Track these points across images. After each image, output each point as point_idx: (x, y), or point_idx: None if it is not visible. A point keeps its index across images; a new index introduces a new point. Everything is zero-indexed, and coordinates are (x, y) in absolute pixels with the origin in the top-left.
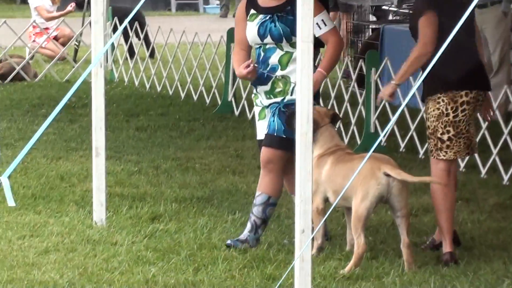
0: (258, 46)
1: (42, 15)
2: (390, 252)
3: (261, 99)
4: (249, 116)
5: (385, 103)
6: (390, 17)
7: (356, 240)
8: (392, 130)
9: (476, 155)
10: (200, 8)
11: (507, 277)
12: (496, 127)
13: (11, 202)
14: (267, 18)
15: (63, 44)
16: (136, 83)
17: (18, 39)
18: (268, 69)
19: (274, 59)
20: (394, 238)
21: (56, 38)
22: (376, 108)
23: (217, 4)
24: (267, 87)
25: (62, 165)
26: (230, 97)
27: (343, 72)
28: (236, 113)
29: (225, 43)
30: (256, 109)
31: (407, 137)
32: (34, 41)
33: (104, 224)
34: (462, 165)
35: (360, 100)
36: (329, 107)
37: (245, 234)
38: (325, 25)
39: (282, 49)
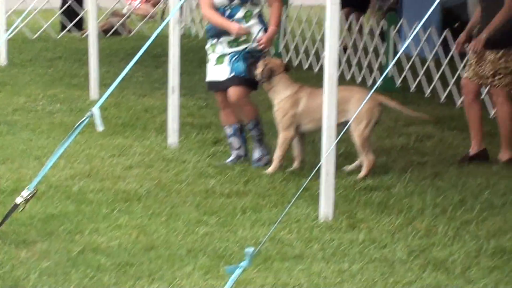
0: (224, 6)
1: None
2: (397, 169)
3: (222, 48)
4: (296, 64)
5: (401, 54)
6: None
7: (366, 156)
8: (406, 74)
9: None
10: None
11: (488, 187)
12: None
13: (100, 128)
14: None
15: (154, 5)
16: None
17: (118, 2)
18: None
19: (239, 15)
20: (402, 158)
21: (147, 1)
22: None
23: None
24: (231, 37)
25: (147, 100)
26: (280, 49)
27: (369, 30)
28: (285, 60)
29: None
30: (213, 56)
31: (417, 80)
32: (130, 3)
33: (177, 146)
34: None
35: (382, 50)
36: (357, 57)
37: (259, 151)
38: None
39: (245, 8)
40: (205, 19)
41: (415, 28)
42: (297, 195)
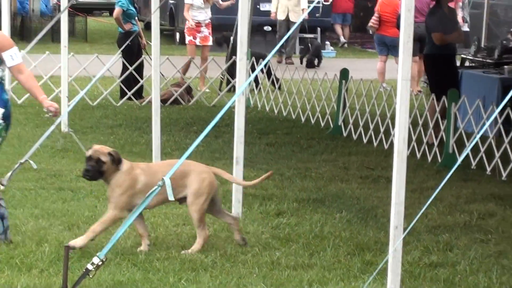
0: None
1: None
2: (461, 246)
3: None
4: (355, 137)
5: (461, 131)
6: (467, 64)
7: (203, 231)
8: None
9: None
10: None
11: None
12: None
13: (171, 198)
14: None
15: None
16: (267, 108)
17: (177, 72)
18: None
19: None
20: (465, 236)
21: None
22: (454, 134)
23: (331, 50)
24: None
25: None
26: (340, 121)
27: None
28: (344, 134)
29: (337, 80)
30: None
31: (478, 157)
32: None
33: (240, 217)
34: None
35: (442, 127)
36: (417, 133)
37: None
38: (17, 57)
39: None
40: None
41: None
42: None
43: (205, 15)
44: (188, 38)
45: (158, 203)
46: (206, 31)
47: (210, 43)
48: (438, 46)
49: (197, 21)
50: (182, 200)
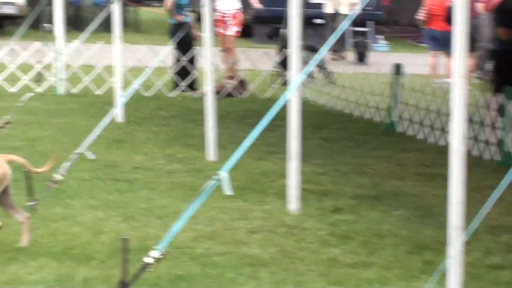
0: None
1: None
2: None
3: None
4: (410, 134)
5: None
6: None
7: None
8: None
9: None
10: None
11: None
12: None
13: (229, 192)
14: None
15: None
16: (320, 102)
17: (231, 64)
18: None
19: None
20: None
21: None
22: None
23: (384, 43)
24: None
25: (263, 164)
26: (394, 117)
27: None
28: (399, 130)
29: (391, 75)
30: None
31: None
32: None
33: (297, 213)
34: None
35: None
36: (471, 127)
37: None
38: None
39: None
40: None
41: None
42: None
43: (230, 5)
44: (217, 30)
45: None
46: (230, 21)
47: (230, 32)
48: (506, 41)
49: (222, 12)
50: None
